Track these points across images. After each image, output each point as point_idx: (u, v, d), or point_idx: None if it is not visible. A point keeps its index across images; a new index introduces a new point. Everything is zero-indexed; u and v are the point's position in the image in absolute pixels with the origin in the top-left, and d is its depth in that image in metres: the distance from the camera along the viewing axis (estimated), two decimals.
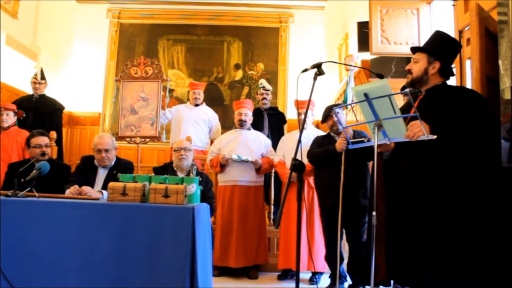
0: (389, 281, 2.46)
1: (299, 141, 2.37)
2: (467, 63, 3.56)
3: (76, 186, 3.23)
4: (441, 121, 2.23)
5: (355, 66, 4.72)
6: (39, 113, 5.33)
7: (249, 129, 4.64)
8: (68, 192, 3.21)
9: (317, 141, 3.94)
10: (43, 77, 5.46)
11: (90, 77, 8.86)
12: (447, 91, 2.40)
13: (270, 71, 8.97)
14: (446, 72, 2.46)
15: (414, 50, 2.55)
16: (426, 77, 2.44)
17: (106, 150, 3.57)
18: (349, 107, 5.16)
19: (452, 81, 3.54)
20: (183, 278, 2.41)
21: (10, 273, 2.47)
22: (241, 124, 4.56)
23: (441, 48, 2.47)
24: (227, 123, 8.02)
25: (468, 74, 3.54)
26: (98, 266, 2.49)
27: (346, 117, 5.47)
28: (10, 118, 4.76)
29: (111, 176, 3.49)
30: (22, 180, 2.93)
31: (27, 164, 3.37)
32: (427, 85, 2.46)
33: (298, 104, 4.09)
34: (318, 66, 2.44)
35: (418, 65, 2.46)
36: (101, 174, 3.62)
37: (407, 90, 2.59)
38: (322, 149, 3.74)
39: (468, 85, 3.48)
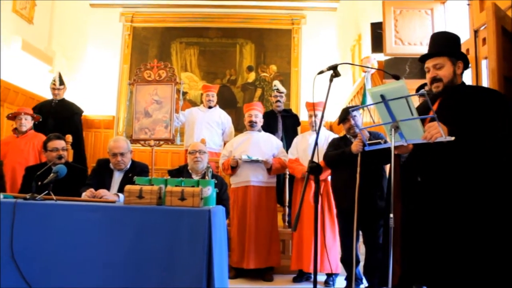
0: (410, 285, 2.42)
1: (316, 143, 2.36)
2: (483, 63, 3.52)
3: (92, 189, 3.27)
4: (466, 122, 2.20)
5: (371, 68, 4.69)
6: (59, 117, 5.37)
7: (259, 131, 4.64)
8: (84, 195, 3.24)
9: (334, 143, 3.92)
10: (61, 83, 5.50)
11: (104, 81, 8.92)
12: (470, 91, 2.37)
13: (282, 73, 8.95)
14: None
15: (429, 56, 2.46)
16: (455, 79, 2.40)
17: (122, 154, 3.59)
18: (365, 108, 5.12)
19: (468, 81, 3.51)
20: (200, 280, 2.42)
21: (29, 274, 2.51)
22: (252, 125, 4.56)
23: (456, 48, 2.44)
24: (240, 126, 8.01)
25: (484, 74, 3.50)
26: (115, 268, 2.52)
27: (363, 118, 5.43)
28: (28, 123, 4.85)
29: (127, 179, 3.50)
30: (40, 183, 2.96)
31: (45, 168, 3.40)
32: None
33: (313, 106, 4.10)
34: (334, 68, 2.43)
35: (445, 69, 2.39)
36: (117, 177, 3.63)
37: (423, 91, 2.56)
38: (338, 151, 3.73)
39: (484, 85, 3.44)
